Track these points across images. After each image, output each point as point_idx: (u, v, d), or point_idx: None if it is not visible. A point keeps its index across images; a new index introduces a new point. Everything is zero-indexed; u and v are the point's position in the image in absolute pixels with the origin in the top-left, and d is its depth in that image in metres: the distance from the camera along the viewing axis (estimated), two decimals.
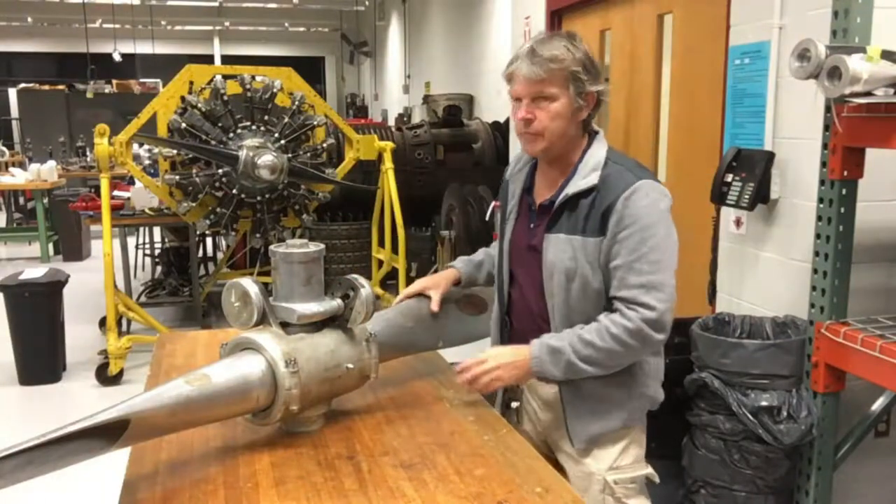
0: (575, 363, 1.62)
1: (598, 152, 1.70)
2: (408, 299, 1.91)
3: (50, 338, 4.45)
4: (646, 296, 1.59)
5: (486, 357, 1.68)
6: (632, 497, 1.76)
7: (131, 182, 5.34)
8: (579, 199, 1.66)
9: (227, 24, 17.40)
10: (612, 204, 1.61)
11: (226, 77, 4.37)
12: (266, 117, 4.30)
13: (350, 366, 1.54)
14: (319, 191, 4.66)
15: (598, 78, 1.69)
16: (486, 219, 5.42)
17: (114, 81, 13.60)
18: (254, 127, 4.25)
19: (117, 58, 15.07)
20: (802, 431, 2.13)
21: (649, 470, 1.79)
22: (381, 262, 5.62)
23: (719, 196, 2.60)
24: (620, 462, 1.75)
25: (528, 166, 1.85)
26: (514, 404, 1.91)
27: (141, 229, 6.56)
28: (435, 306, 1.87)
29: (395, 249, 5.21)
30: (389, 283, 5.89)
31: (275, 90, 4.32)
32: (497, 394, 1.95)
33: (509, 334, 1.87)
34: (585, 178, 1.66)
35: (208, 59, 17.19)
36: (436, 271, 5.92)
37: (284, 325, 1.51)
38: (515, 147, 4.97)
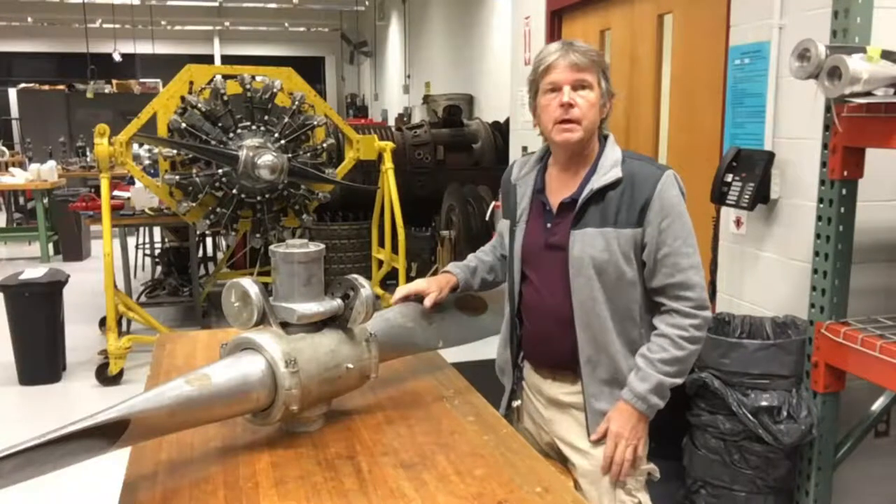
0: (674, 382, 1.72)
1: (614, 151, 1.77)
2: (405, 301, 1.91)
3: (50, 338, 4.45)
4: (696, 275, 1.71)
5: (611, 440, 1.73)
6: (640, 491, 1.78)
7: (131, 182, 5.34)
8: (605, 192, 1.71)
9: (227, 24, 17.40)
10: (649, 196, 1.68)
11: (226, 77, 4.36)
12: (266, 117, 4.30)
13: (350, 366, 1.54)
14: (319, 191, 4.66)
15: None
16: (486, 219, 5.42)
17: (114, 81, 13.59)
18: (254, 127, 4.25)
19: (117, 58, 15.08)
20: (802, 431, 2.13)
21: (652, 465, 1.82)
22: (381, 262, 5.62)
23: (719, 196, 2.60)
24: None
25: (536, 169, 1.86)
26: (516, 403, 1.93)
27: (141, 229, 6.56)
28: (429, 302, 1.88)
29: (395, 249, 5.21)
30: (389, 283, 5.89)
31: (275, 90, 4.32)
32: (503, 395, 1.96)
33: (520, 335, 1.89)
34: (608, 173, 1.71)
35: (208, 59, 17.20)
36: (436, 271, 5.94)
37: (284, 325, 1.51)
38: (516, 147, 4.97)
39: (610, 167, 1.72)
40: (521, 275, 1.85)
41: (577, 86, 1.68)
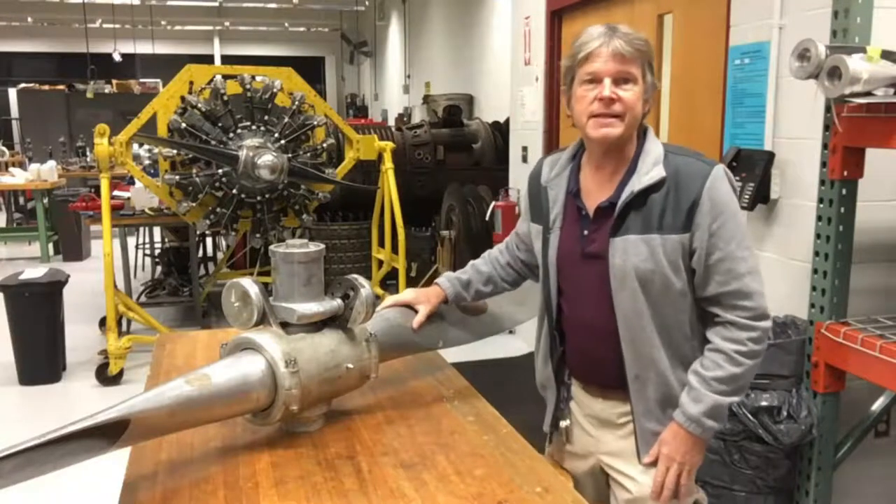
0: (732, 401, 1.57)
1: (655, 146, 1.59)
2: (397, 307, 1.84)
3: (50, 338, 4.45)
4: (754, 282, 1.53)
5: (662, 464, 1.60)
6: None
7: (131, 182, 5.34)
8: (648, 195, 1.53)
9: (227, 24, 17.41)
10: (697, 196, 1.50)
11: (226, 77, 4.36)
12: (266, 117, 4.30)
13: (350, 366, 1.54)
14: (319, 191, 4.66)
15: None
16: (486, 219, 5.42)
17: (114, 81, 13.59)
18: (254, 127, 4.25)
19: (117, 58, 15.08)
20: (802, 431, 2.14)
21: (701, 493, 1.70)
22: (381, 262, 5.62)
23: None
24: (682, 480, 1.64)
25: (569, 169, 1.67)
26: (563, 423, 1.77)
27: (141, 229, 6.56)
28: (416, 325, 1.77)
29: (395, 249, 5.21)
30: (389, 283, 5.89)
31: (275, 90, 4.32)
32: (546, 413, 1.83)
33: (561, 351, 1.74)
34: (649, 172, 1.53)
35: (208, 59, 17.20)
36: (436, 271, 5.94)
37: (284, 325, 1.51)
38: (516, 147, 4.98)
39: (651, 165, 1.54)
40: (558, 287, 1.68)
41: (620, 79, 1.50)
